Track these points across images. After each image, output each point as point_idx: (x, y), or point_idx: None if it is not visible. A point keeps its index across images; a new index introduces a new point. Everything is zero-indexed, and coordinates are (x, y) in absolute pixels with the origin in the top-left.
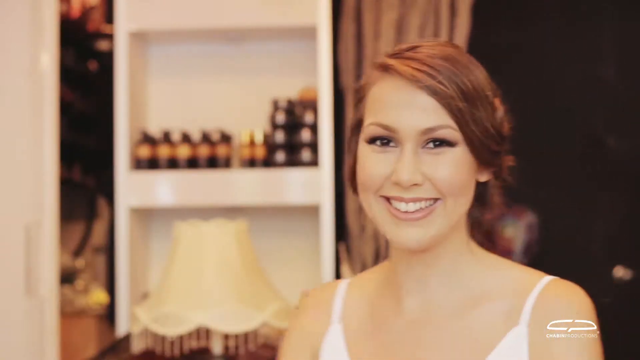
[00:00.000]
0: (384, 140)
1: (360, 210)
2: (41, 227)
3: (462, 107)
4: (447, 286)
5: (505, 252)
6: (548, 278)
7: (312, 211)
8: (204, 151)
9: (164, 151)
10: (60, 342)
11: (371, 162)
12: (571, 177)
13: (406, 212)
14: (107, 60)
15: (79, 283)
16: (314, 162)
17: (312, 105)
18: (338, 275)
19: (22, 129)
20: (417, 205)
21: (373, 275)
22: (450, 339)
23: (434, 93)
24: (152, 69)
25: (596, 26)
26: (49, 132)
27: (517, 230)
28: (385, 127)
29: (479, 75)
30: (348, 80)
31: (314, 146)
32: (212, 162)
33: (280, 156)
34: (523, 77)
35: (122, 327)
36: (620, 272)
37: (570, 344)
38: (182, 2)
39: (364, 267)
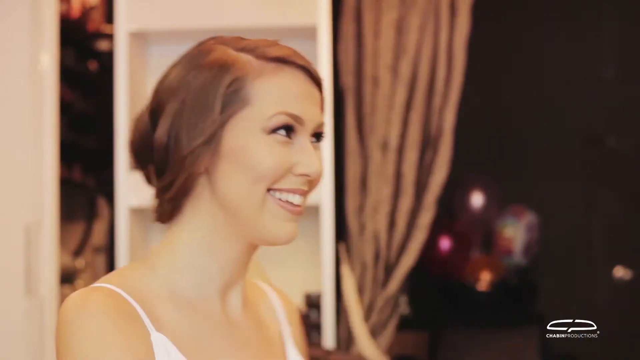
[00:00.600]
0: (289, 130)
1: (360, 210)
2: (41, 227)
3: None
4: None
5: (504, 252)
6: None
7: (312, 211)
8: None
9: None
10: None
11: (274, 153)
12: (571, 177)
13: (298, 205)
14: (107, 60)
15: (79, 283)
16: None
17: None
18: (338, 276)
19: (22, 129)
20: (300, 199)
21: (140, 278)
22: (259, 336)
23: (321, 89)
24: (152, 68)
25: (596, 26)
26: (49, 132)
27: (516, 230)
28: (295, 118)
29: None
30: (348, 81)
31: None
32: None
33: None
34: (523, 76)
35: None
36: (620, 272)
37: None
38: (182, 2)
39: (363, 268)
